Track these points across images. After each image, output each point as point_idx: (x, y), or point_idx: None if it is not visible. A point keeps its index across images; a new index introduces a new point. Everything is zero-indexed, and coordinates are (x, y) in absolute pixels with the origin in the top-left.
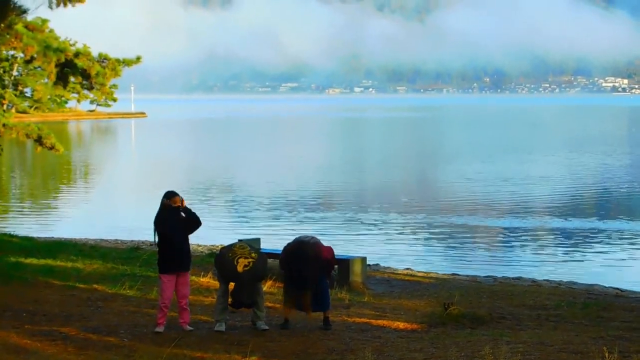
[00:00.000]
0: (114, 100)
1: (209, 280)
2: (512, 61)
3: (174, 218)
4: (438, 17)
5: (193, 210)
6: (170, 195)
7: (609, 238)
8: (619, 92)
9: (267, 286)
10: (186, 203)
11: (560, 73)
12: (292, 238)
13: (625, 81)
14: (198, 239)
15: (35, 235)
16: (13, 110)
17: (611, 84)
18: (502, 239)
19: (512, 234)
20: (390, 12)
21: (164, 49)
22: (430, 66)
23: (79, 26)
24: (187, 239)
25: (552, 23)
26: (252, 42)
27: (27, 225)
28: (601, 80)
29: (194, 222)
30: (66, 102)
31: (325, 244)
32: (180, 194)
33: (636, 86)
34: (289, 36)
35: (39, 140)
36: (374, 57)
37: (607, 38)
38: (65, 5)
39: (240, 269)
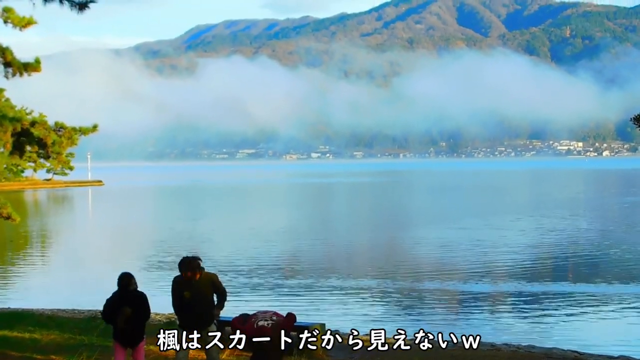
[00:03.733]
0: (71, 168)
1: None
2: (469, 125)
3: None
4: (399, 82)
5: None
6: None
7: (567, 300)
8: (574, 155)
9: (225, 354)
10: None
11: (516, 136)
12: (250, 306)
13: (580, 144)
14: (156, 308)
15: None
16: None
17: (566, 147)
18: (460, 302)
19: (470, 297)
20: (357, 77)
21: (122, 117)
22: (387, 131)
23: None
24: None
25: (509, 88)
26: (212, 109)
27: None
28: (556, 144)
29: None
30: (22, 171)
31: (284, 312)
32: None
33: (591, 149)
34: (251, 103)
35: None
36: (334, 123)
37: (562, 102)
38: (21, 74)
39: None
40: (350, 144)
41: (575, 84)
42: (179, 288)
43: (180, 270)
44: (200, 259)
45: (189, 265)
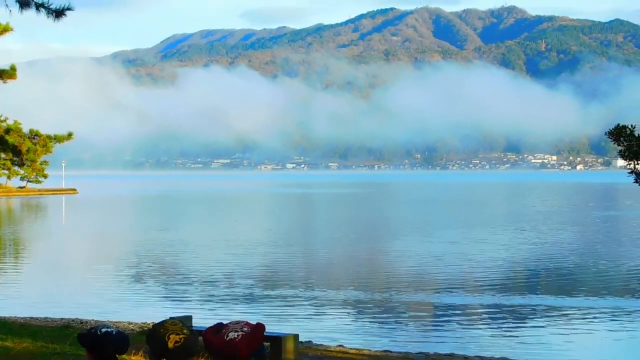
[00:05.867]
0: (45, 176)
1: (139, 359)
2: (444, 137)
3: None
4: (377, 94)
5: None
6: None
7: (540, 313)
8: (548, 168)
9: None
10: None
11: (491, 149)
12: (224, 315)
13: (554, 157)
14: (130, 317)
15: None
16: None
17: (540, 160)
18: (434, 314)
19: (443, 310)
20: (336, 88)
21: (100, 125)
22: (363, 142)
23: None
24: None
25: (486, 101)
26: (190, 118)
27: None
28: (530, 157)
29: None
30: None
31: (255, 321)
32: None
33: (565, 163)
34: (230, 113)
35: None
36: (311, 134)
37: (537, 115)
38: None
39: (171, 345)
40: (325, 155)
41: (550, 97)
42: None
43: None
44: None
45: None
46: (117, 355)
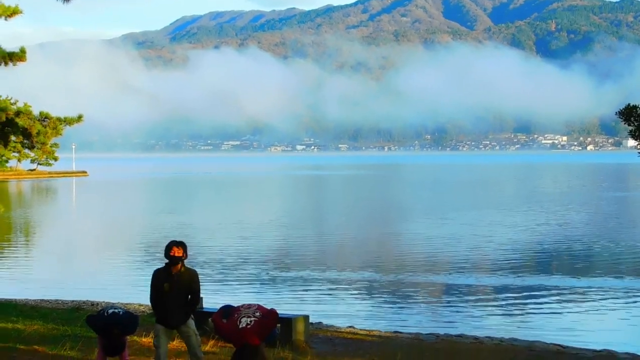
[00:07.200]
0: (55, 159)
1: (150, 340)
2: (454, 119)
3: None
4: (388, 75)
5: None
6: None
7: (550, 294)
8: (558, 149)
9: (209, 346)
10: None
11: (501, 130)
12: (234, 297)
13: (565, 138)
14: (140, 299)
15: None
16: None
17: (550, 141)
18: (444, 295)
19: (454, 291)
20: (346, 70)
21: (109, 108)
22: (373, 124)
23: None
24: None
25: (497, 82)
26: (200, 101)
27: None
28: (541, 138)
29: None
30: (7, 162)
31: (269, 304)
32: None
33: (575, 143)
34: (242, 95)
35: None
36: (321, 115)
37: (547, 96)
38: (6, 64)
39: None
40: (336, 137)
41: (560, 78)
42: (159, 280)
43: (166, 251)
44: (185, 246)
45: (176, 242)
46: (126, 337)
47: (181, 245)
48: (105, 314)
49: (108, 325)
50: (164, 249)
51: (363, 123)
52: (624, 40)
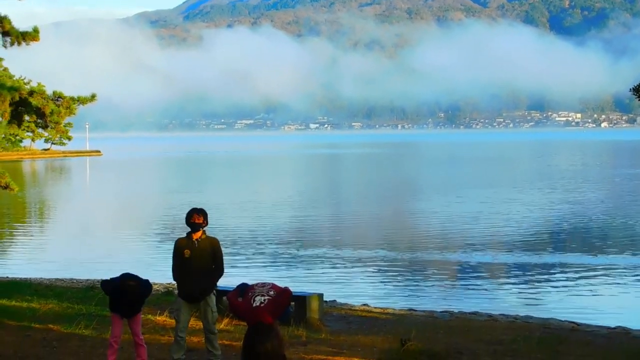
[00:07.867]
0: (69, 138)
1: (164, 318)
2: (468, 96)
3: None
4: (403, 53)
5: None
6: None
7: (565, 272)
8: (572, 126)
9: (223, 324)
10: None
11: (514, 108)
12: (249, 277)
13: (579, 115)
14: (155, 277)
15: None
16: None
17: (564, 119)
18: (458, 273)
19: (468, 269)
20: (360, 48)
21: (124, 87)
22: (386, 102)
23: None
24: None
25: (511, 59)
26: (214, 80)
27: None
28: (554, 115)
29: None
30: (21, 141)
31: (283, 283)
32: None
33: (589, 120)
34: (256, 73)
35: None
36: (334, 94)
37: (561, 73)
38: (19, 44)
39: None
40: (349, 115)
41: (574, 55)
42: (180, 248)
43: (187, 218)
44: (206, 213)
45: (197, 210)
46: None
47: (202, 212)
48: (120, 279)
49: (124, 279)
50: (184, 217)
51: (377, 101)
52: (638, 16)
